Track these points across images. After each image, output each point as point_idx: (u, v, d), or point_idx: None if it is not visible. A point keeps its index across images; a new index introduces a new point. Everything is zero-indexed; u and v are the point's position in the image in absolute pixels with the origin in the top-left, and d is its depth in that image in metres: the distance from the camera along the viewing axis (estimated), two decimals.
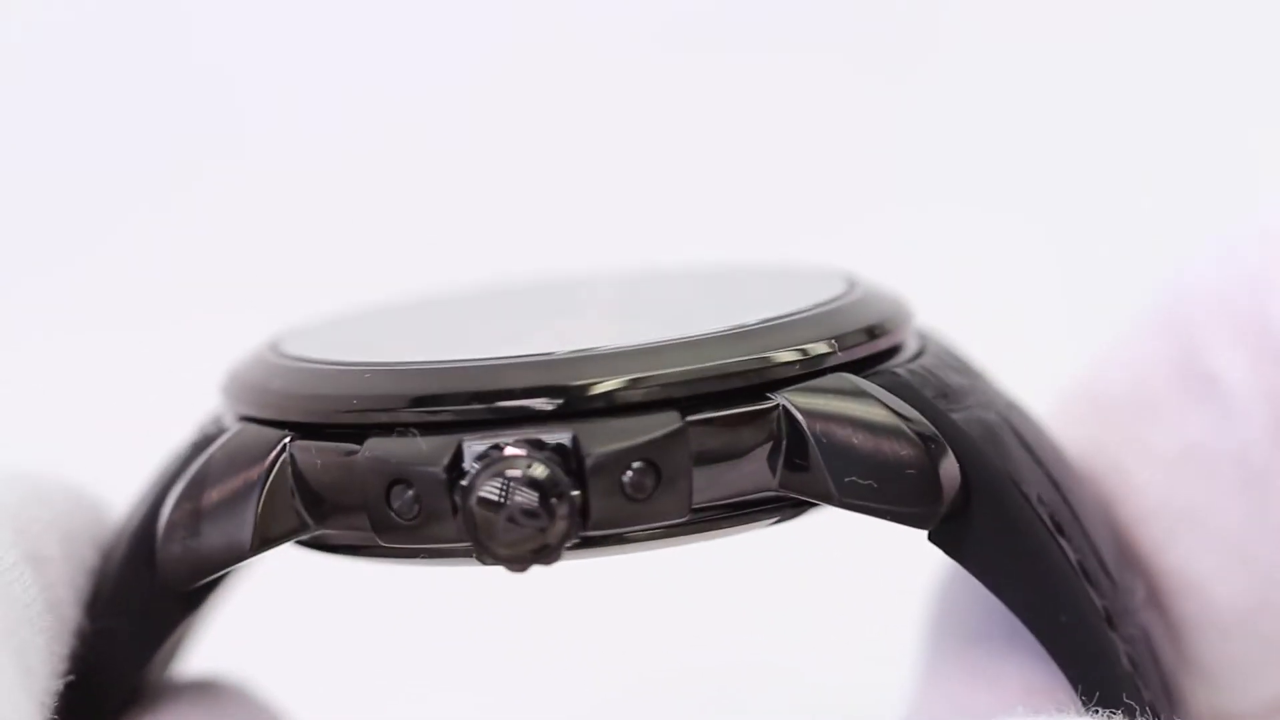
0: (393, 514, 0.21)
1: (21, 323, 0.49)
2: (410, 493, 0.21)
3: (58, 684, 0.23)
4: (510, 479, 0.21)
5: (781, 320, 0.23)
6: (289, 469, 0.22)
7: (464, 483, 0.21)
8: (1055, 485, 0.24)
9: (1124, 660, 0.23)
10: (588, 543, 0.22)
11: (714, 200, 0.49)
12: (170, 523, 0.23)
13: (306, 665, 0.31)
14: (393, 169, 0.51)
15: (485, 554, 0.21)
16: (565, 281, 0.27)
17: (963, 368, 0.24)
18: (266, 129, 0.52)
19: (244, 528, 0.22)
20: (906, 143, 0.50)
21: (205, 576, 0.23)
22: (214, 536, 0.22)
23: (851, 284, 0.24)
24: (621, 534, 0.22)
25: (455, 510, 0.21)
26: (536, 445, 0.21)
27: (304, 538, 0.23)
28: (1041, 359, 0.26)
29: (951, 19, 0.51)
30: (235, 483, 0.22)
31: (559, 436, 0.21)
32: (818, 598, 0.37)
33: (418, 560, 0.22)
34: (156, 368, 0.45)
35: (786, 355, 0.22)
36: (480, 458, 0.21)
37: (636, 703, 0.35)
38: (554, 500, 0.21)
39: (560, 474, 0.21)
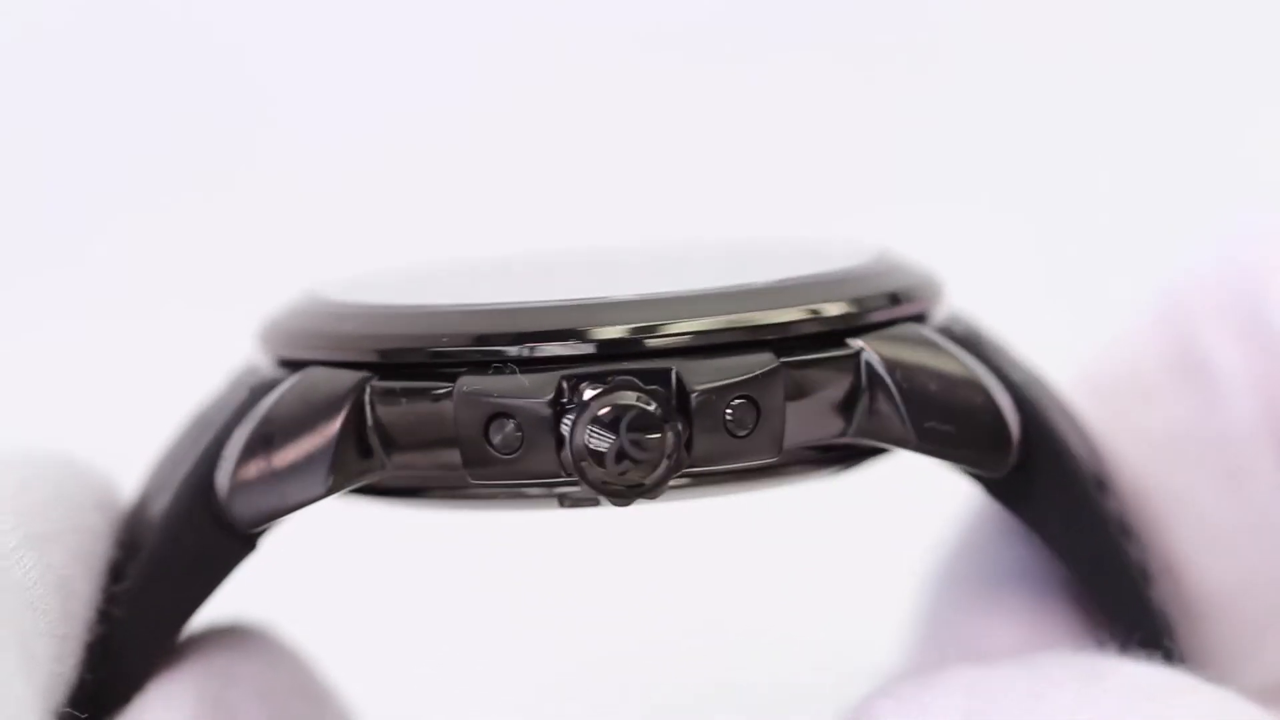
0: (491, 449, 0.21)
1: (19, 315, 0.48)
2: (511, 424, 0.21)
3: (60, 668, 0.22)
4: (618, 412, 0.21)
5: (857, 270, 0.23)
6: (367, 409, 0.22)
7: (570, 417, 0.21)
8: (1091, 447, 0.24)
9: (1159, 613, 0.24)
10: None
11: (713, 200, 0.49)
12: (239, 467, 0.22)
13: (323, 616, 0.31)
14: (397, 166, 0.50)
15: (590, 487, 0.21)
16: (610, 249, 0.27)
17: (993, 336, 0.25)
18: (267, 122, 0.51)
19: (320, 469, 0.22)
20: (905, 141, 0.50)
21: (277, 518, 0.22)
22: (289, 479, 0.22)
23: (886, 251, 0.25)
24: (710, 474, 0.22)
25: (560, 444, 0.21)
26: (642, 378, 0.21)
27: (373, 479, 0.22)
28: (1040, 356, 0.27)
29: (952, 17, 0.51)
30: (312, 425, 0.22)
31: (662, 373, 0.21)
32: (816, 566, 0.37)
33: (474, 503, 0.22)
34: (152, 356, 0.44)
35: (867, 303, 0.23)
36: (587, 390, 0.21)
37: (637, 673, 0.35)
38: (660, 435, 0.21)
39: (668, 408, 0.21)
